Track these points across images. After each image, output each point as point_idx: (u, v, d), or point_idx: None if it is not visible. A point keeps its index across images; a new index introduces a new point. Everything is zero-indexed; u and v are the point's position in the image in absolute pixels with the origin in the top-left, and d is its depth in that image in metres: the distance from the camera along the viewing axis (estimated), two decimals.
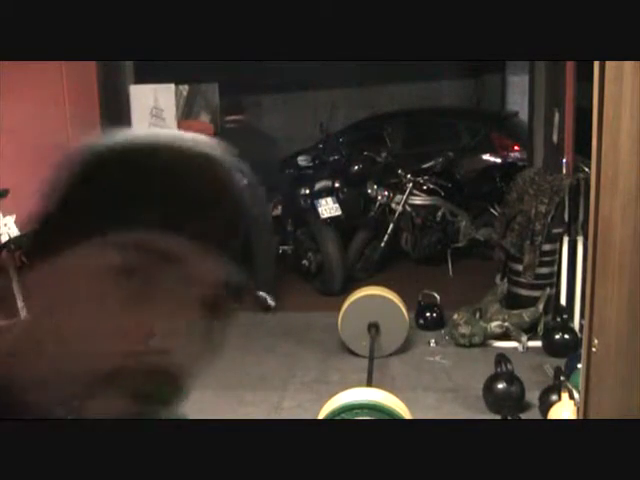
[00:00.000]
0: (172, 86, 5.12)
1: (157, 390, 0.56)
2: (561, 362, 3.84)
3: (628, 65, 1.71)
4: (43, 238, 0.59)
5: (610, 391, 1.87)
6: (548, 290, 4.57)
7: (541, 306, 4.52)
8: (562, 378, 3.41)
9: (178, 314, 0.56)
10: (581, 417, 2.05)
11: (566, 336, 4.28)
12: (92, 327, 0.55)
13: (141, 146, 0.58)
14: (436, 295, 4.91)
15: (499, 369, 3.65)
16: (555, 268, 4.62)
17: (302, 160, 6.60)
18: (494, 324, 4.50)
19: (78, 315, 0.56)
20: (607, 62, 1.75)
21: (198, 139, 0.60)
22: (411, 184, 6.03)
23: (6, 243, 3.68)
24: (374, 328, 4.34)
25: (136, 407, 0.56)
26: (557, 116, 4.73)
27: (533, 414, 3.50)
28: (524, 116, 6.64)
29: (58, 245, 0.57)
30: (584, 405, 1.99)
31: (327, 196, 5.72)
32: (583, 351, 1.99)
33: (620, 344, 1.82)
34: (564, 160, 4.63)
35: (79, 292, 0.56)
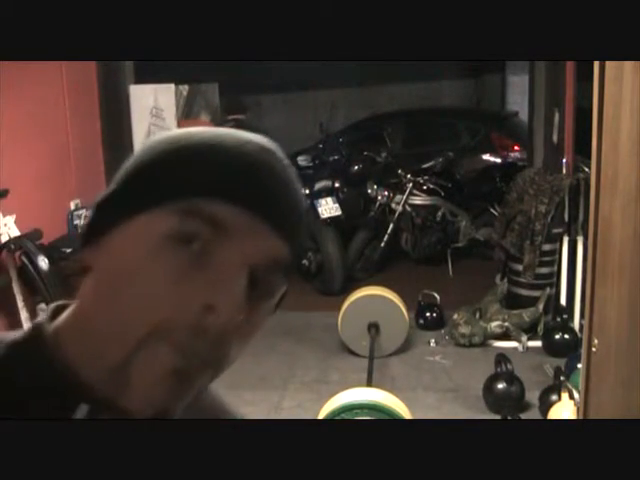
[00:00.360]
0: (172, 86, 5.12)
1: (204, 353, 0.57)
2: (561, 362, 3.84)
3: (628, 65, 1.70)
4: (105, 213, 0.60)
5: (610, 391, 1.87)
6: (548, 290, 4.57)
7: (541, 306, 4.52)
8: (562, 378, 3.41)
9: (228, 284, 0.57)
10: (581, 417, 2.05)
11: (566, 336, 4.28)
12: (149, 295, 0.56)
13: (225, 141, 0.61)
14: (436, 295, 4.91)
15: (499, 369, 3.65)
16: (555, 268, 4.62)
17: (302, 160, 6.61)
18: (494, 324, 4.50)
19: (136, 283, 0.56)
20: (607, 62, 1.75)
21: (259, 137, 0.64)
22: (411, 184, 6.03)
23: (6, 243, 3.68)
24: (374, 328, 4.34)
25: (182, 366, 0.56)
26: (557, 116, 4.73)
27: (533, 414, 3.50)
28: (524, 116, 6.64)
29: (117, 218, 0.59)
30: (584, 405, 1.99)
31: (327, 196, 5.72)
32: (583, 351, 1.98)
33: (620, 344, 1.81)
34: (564, 160, 4.64)
35: (138, 260, 0.57)
